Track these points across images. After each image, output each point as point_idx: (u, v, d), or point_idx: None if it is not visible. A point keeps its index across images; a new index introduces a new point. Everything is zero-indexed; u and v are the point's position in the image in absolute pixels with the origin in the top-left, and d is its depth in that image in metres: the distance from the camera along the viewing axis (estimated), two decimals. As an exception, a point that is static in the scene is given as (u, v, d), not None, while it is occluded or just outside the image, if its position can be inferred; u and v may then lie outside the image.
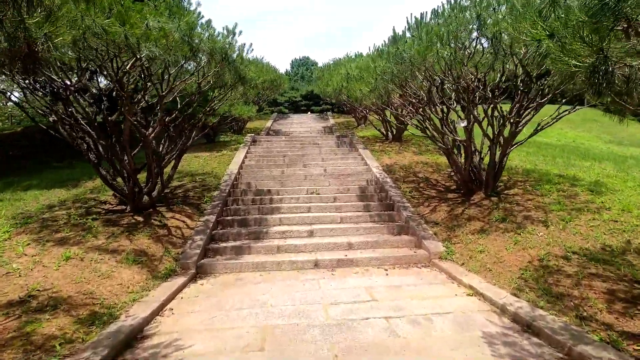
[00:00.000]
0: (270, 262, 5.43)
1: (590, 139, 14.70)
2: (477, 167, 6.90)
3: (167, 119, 6.64)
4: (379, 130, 13.09)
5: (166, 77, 5.56)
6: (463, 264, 5.10)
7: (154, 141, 6.05)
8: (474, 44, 4.92)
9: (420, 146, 11.68)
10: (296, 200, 7.80)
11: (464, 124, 6.09)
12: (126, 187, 5.97)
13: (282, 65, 53.91)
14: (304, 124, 20.37)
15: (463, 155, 7.16)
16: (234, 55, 5.95)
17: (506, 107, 6.73)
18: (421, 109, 6.74)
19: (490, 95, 5.73)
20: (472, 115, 6.05)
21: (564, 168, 8.78)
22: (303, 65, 44.03)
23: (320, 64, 29.14)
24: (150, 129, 5.26)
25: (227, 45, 5.40)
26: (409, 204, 7.22)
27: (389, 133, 12.79)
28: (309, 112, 27.07)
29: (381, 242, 6.07)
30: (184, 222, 6.30)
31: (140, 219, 6.02)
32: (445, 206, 6.82)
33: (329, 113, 24.97)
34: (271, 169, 9.72)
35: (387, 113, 11.98)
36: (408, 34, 5.64)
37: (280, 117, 23.88)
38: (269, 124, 19.93)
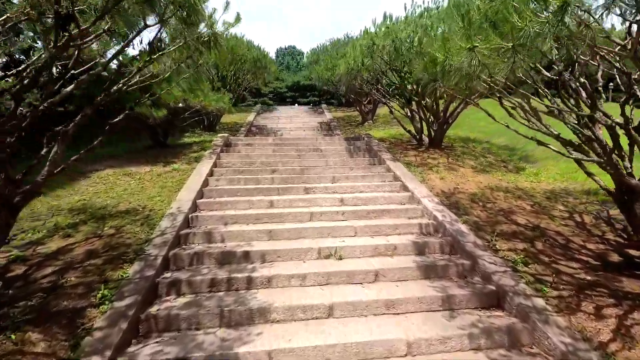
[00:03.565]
0: None
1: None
2: None
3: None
4: (408, 131, 9.21)
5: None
6: None
7: None
8: None
9: (476, 157, 7.91)
10: (301, 281, 3.87)
11: None
12: None
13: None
14: (295, 119, 16.37)
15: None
16: None
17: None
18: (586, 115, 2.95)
19: None
20: None
21: None
22: (289, 55, 39.88)
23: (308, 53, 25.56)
24: None
25: None
26: (540, 300, 3.42)
27: (423, 135, 8.96)
28: (296, 105, 23.47)
29: None
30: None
31: None
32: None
33: (323, 105, 21.03)
34: (252, 199, 5.74)
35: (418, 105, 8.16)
36: None
37: (265, 109, 19.77)
38: (251, 117, 15.82)
